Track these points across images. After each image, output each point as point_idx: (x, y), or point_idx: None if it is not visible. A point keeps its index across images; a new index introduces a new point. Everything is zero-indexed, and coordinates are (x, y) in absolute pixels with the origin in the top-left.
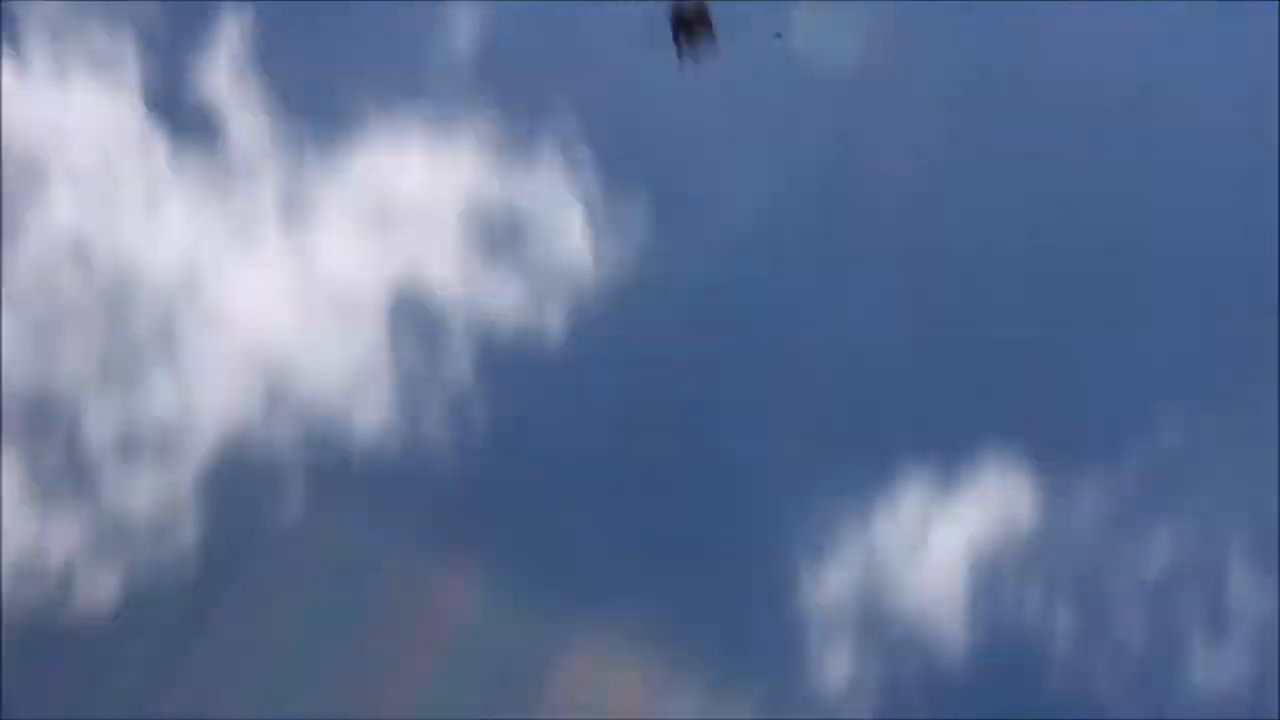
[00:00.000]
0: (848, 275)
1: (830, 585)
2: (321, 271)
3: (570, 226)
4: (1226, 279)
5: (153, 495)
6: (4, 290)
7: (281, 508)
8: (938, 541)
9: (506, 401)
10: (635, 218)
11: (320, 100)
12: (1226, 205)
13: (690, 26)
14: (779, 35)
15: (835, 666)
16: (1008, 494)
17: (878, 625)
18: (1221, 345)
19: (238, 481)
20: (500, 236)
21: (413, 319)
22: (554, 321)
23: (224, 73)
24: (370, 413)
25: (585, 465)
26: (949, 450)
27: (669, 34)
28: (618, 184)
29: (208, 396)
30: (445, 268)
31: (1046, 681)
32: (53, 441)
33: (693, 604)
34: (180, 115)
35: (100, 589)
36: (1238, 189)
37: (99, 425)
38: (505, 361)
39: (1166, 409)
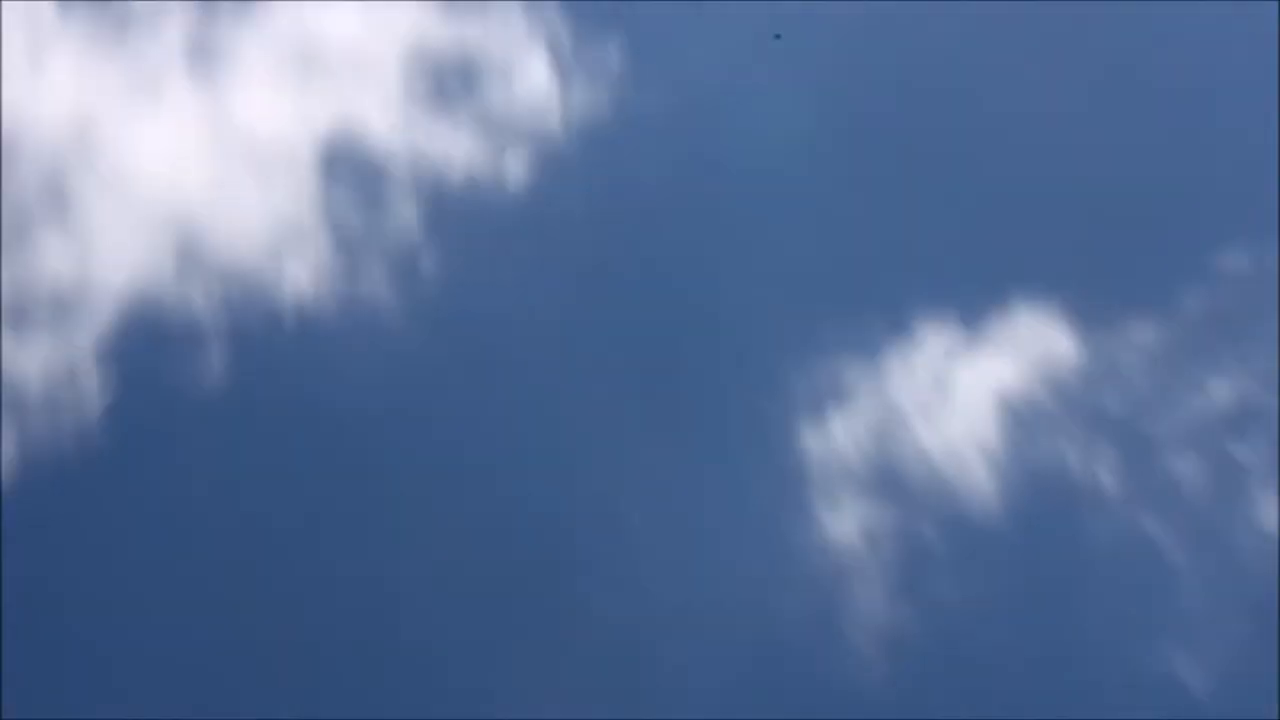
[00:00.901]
0: (853, 107)
1: (840, 436)
2: (240, 124)
3: (533, 71)
4: None
5: (48, 364)
6: None
7: (198, 374)
8: (963, 389)
9: (459, 258)
10: (608, 59)
11: None
12: None
13: None
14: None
15: (847, 519)
16: (1043, 341)
17: (894, 477)
18: None
19: (146, 348)
20: (451, 82)
21: (348, 172)
22: (515, 171)
23: None
24: (301, 272)
25: (554, 327)
26: (977, 298)
27: None
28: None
29: (108, 257)
30: (387, 116)
31: (1090, 530)
32: None
33: (695, 463)
34: None
35: None
36: None
37: None
38: (457, 215)
39: (1226, 252)
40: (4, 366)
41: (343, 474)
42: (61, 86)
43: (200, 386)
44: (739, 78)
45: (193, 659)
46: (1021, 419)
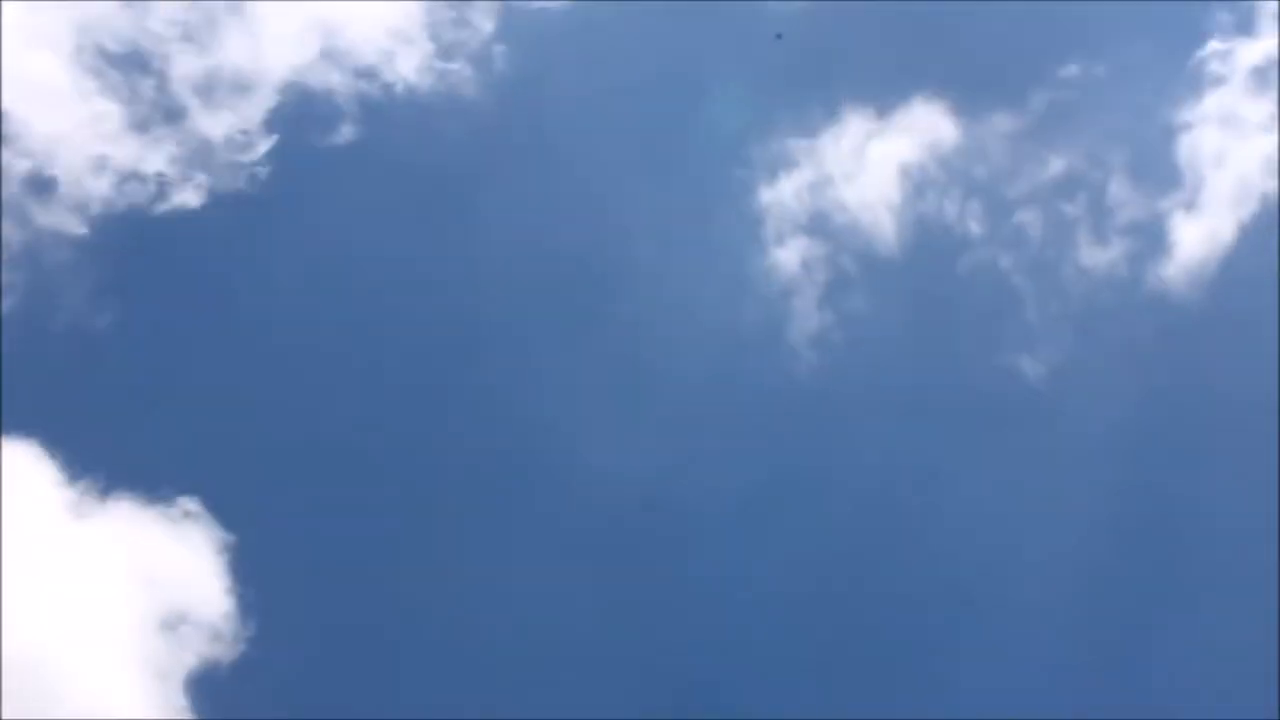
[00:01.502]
0: None
1: (787, 192)
2: None
3: None
4: None
5: (228, 126)
6: None
7: (335, 137)
8: (875, 162)
9: (523, 56)
10: None
11: None
12: None
13: None
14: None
15: (790, 253)
16: (933, 127)
17: (824, 222)
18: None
19: (297, 118)
20: None
21: None
22: None
23: None
24: (408, 60)
25: (586, 117)
26: (888, 95)
27: None
28: None
29: (272, 47)
30: None
31: (961, 262)
32: (147, 84)
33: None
34: None
35: (188, 195)
36: None
37: (184, 70)
38: (523, 26)
39: (1064, 64)
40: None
41: (438, 207)
42: None
43: (336, 145)
44: None
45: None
46: (915, 183)
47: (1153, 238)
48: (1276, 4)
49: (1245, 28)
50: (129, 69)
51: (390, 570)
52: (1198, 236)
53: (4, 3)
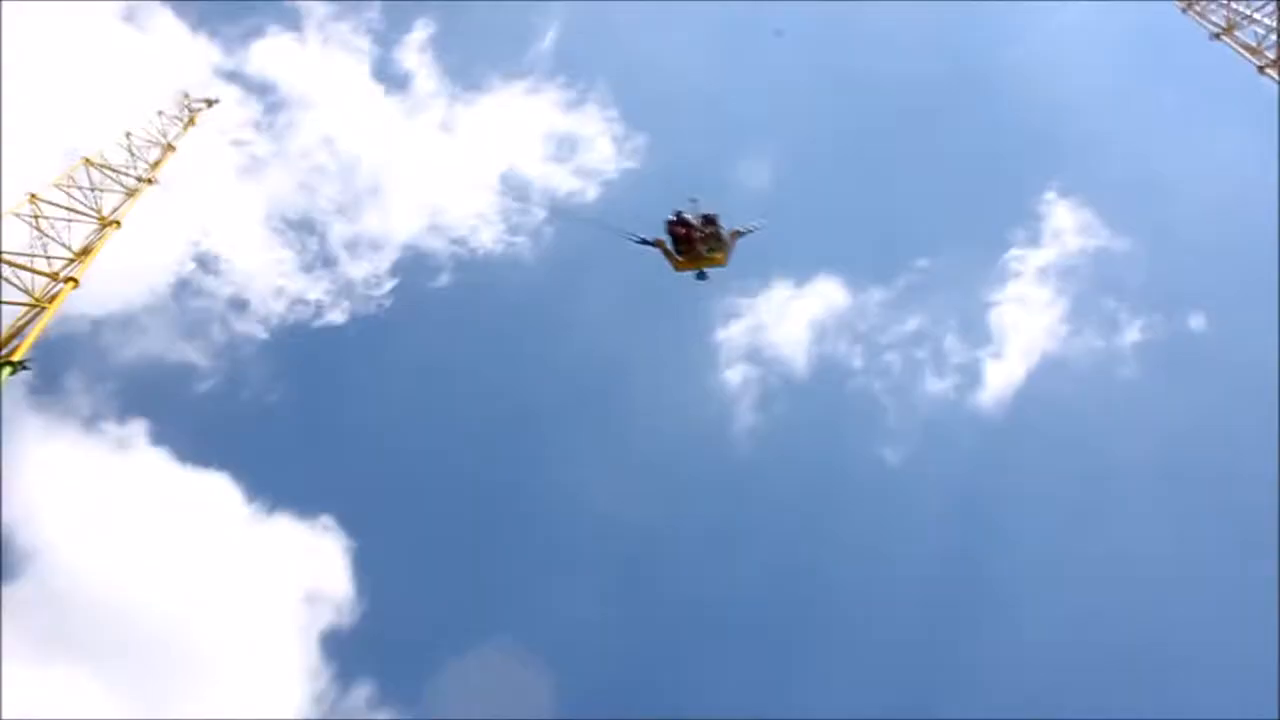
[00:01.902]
0: None
1: (733, 333)
2: None
3: None
4: None
5: (366, 271)
6: None
7: (437, 282)
8: (793, 316)
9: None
10: None
11: None
12: None
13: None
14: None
15: (735, 373)
16: (832, 295)
17: (759, 354)
18: (952, 231)
19: (413, 267)
20: None
21: None
22: None
23: None
24: (487, 233)
25: None
26: (801, 272)
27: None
28: None
29: (397, 221)
30: None
31: (848, 386)
32: (312, 241)
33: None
34: None
35: (336, 315)
36: None
37: (337, 233)
38: None
39: (919, 258)
40: (345, 273)
41: (504, 333)
42: None
43: (437, 287)
44: None
45: None
46: (819, 331)
47: (972, 375)
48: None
49: (1035, 241)
50: (300, 231)
51: (459, 569)
52: (1001, 375)
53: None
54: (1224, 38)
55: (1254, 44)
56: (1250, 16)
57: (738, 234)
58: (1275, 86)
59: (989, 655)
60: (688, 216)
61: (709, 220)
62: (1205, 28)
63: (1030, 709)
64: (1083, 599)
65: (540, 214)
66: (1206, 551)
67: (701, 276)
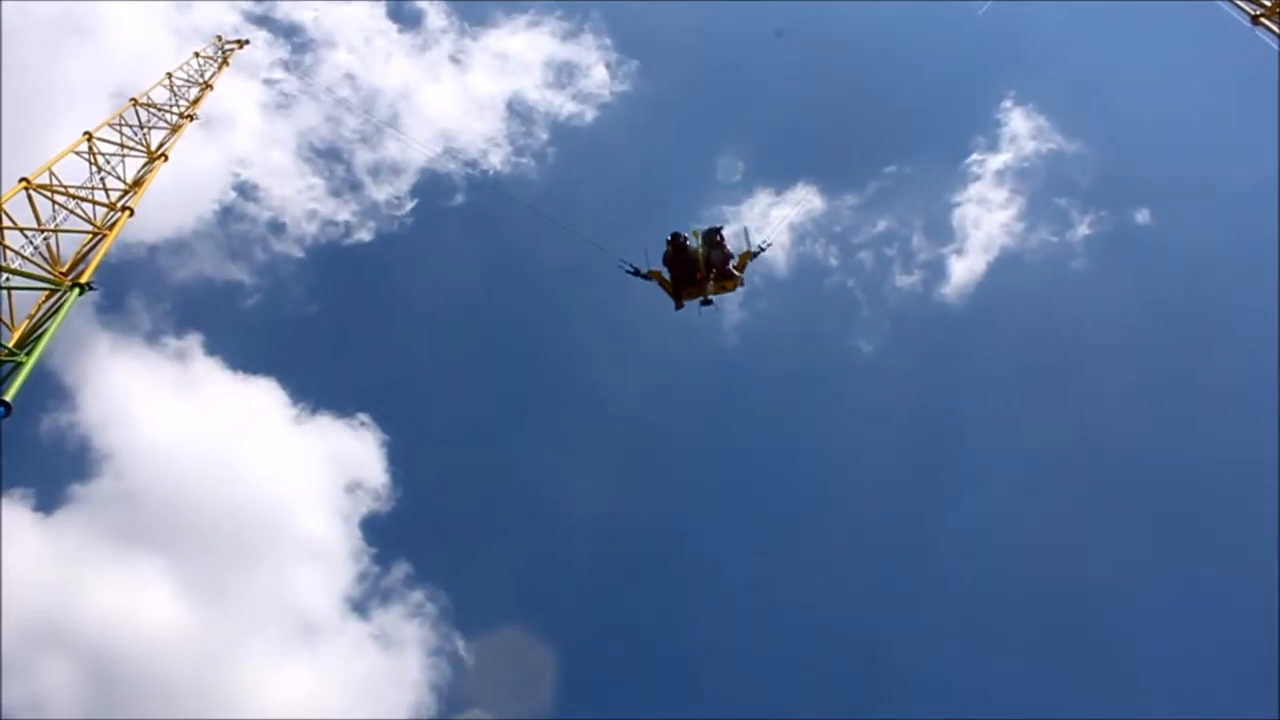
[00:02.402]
0: None
1: None
2: None
3: None
4: None
5: (388, 193)
6: None
7: (452, 201)
8: (774, 220)
9: (568, 152)
10: None
11: None
12: None
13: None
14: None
15: None
16: (810, 200)
17: None
18: (917, 140)
19: (430, 189)
20: None
21: None
22: None
23: None
24: (496, 156)
25: None
26: (781, 181)
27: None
28: None
29: (414, 148)
30: None
31: (825, 283)
32: (340, 168)
33: None
34: None
35: (363, 234)
36: None
37: (361, 160)
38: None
39: (888, 165)
40: (370, 196)
41: (509, 241)
42: None
43: (452, 205)
44: None
45: None
46: (798, 234)
47: (938, 270)
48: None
49: (993, 146)
50: (329, 159)
51: (481, 458)
52: (964, 270)
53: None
54: None
55: None
56: None
57: (750, 255)
58: None
59: (953, 522)
60: (688, 241)
61: (715, 243)
62: None
63: (990, 574)
64: (1041, 469)
65: (544, 136)
66: (1153, 412)
67: (706, 303)
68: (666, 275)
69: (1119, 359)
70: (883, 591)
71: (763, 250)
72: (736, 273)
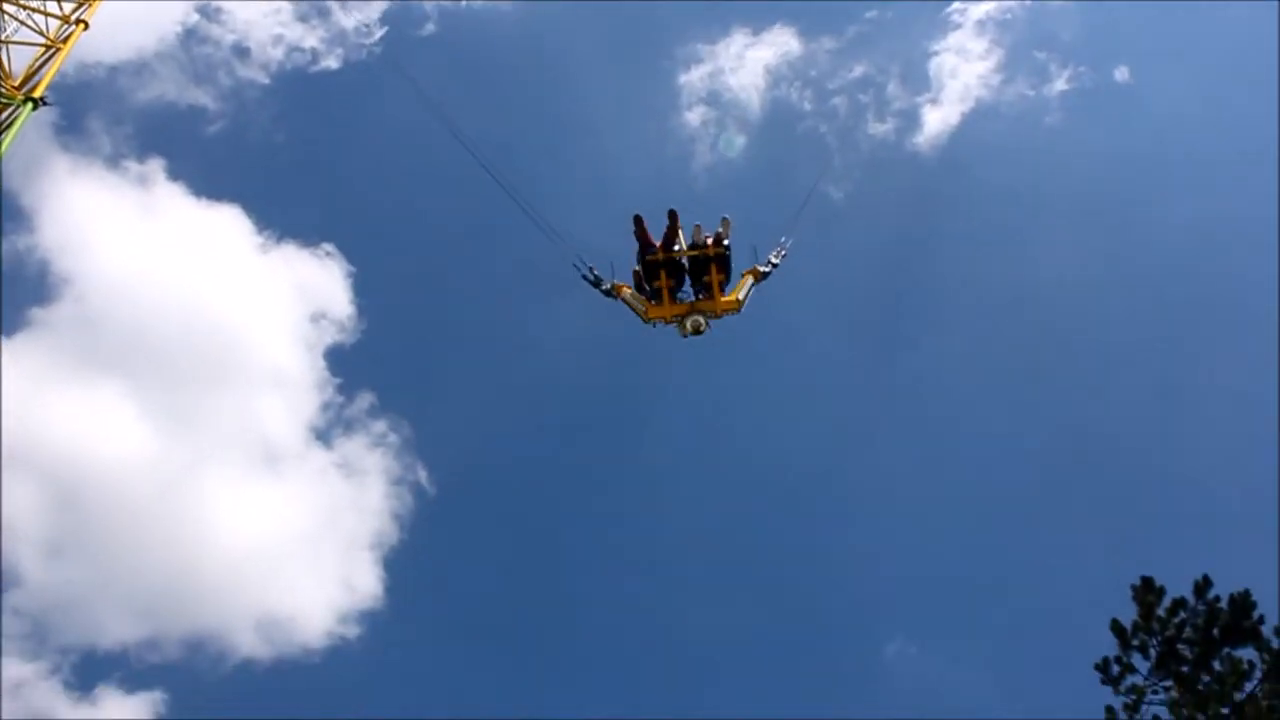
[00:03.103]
0: None
1: (694, 77)
2: None
3: None
4: None
5: (356, 21)
6: None
7: (423, 31)
8: (750, 61)
9: None
10: None
11: None
12: None
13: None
14: None
15: (695, 114)
16: (787, 43)
17: (718, 98)
18: None
19: (399, 18)
20: None
21: None
22: None
23: None
24: None
25: None
26: (758, 21)
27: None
28: None
29: None
30: None
31: (798, 128)
32: None
33: None
34: None
35: (330, 61)
36: None
37: None
38: None
39: (869, 10)
40: (338, 23)
41: (481, 77)
42: None
43: (422, 36)
44: None
45: None
46: (774, 77)
47: (911, 119)
48: None
49: None
50: None
51: (445, 291)
52: (938, 120)
53: None
54: None
55: None
56: None
57: (760, 274)
58: None
59: (920, 362)
60: (678, 234)
61: (718, 254)
62: None
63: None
64: (1006, 316)
65: None
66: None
67: (697, 331)
68: (639, 294)
69: (1086, 218)
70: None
71: (782, 257)
72: (741, 293)
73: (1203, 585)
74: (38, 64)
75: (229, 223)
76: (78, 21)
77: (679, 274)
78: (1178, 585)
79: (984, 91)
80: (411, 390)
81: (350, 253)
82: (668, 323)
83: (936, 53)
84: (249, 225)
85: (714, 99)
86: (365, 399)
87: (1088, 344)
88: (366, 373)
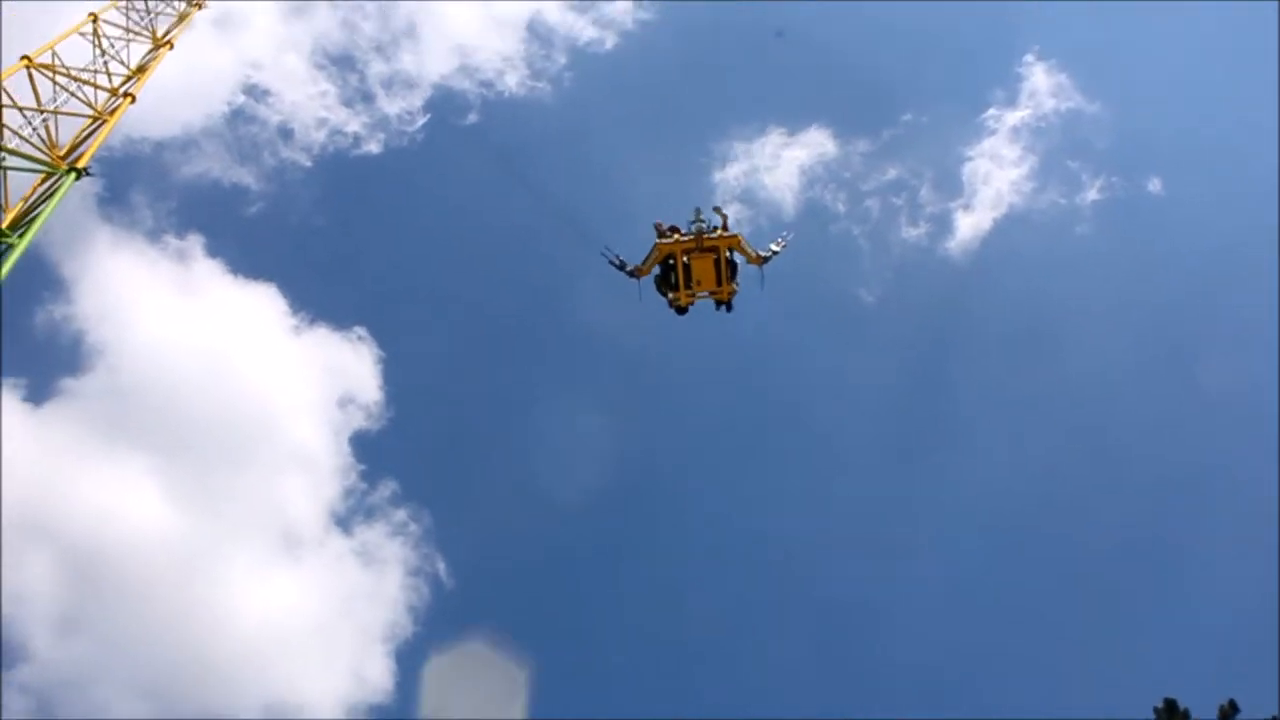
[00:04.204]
0: None
1: (730, 175)
2: None
3: None
4: None
5: (399, 107)
6: None
7: (464, 120)
8: (785, 162)
9: (581, 81)
10: None
11: None
12: None
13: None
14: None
15: (730, 211)
16: (822, 144)
17: (753, 195)
18: (935, 87)
19: (443, 104)
20: None
21: None
22: None
23: None
24: (512, 78)
25: None
26: (794, 122)
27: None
28: None
29: (429, 61)
30: None
31: (831, 229)
32: (353, 77)
33: None
34: None
35: (372, 145)
36: None
37: (375, 70)
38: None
39: (903, 113)
40: (381, 108)
41: (520, 160)
42: None
43: (464, 125)
44: None
45: None
46: (808, 177)
47: (944, 224)
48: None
49: (1012, 101)
50: (343, 66)
51: (475, 380)
52: (970, 225)
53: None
54: None
55: None
56: None
57: (762, 259)
58: None
59: (951, 472)
60: (687, 232)
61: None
62: None
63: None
64: (1036, 429)
65: (561, 60)
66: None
67: (723, 306)
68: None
69: (1115, 329)
70: (869, 543)
71: (784, 247)
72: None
73: (1228, 710)
74: (84, 134)
75: (264, 302)
76: (125, 95)
77: (688, 275)
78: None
79: (1016, 198)
80: (435, 480)
81: (382, 337)
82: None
83: (970, 158)
84: (284, 305)
85: (749, 197)
86: (388, 486)
87: (1116, 450)
88: (391, 460)
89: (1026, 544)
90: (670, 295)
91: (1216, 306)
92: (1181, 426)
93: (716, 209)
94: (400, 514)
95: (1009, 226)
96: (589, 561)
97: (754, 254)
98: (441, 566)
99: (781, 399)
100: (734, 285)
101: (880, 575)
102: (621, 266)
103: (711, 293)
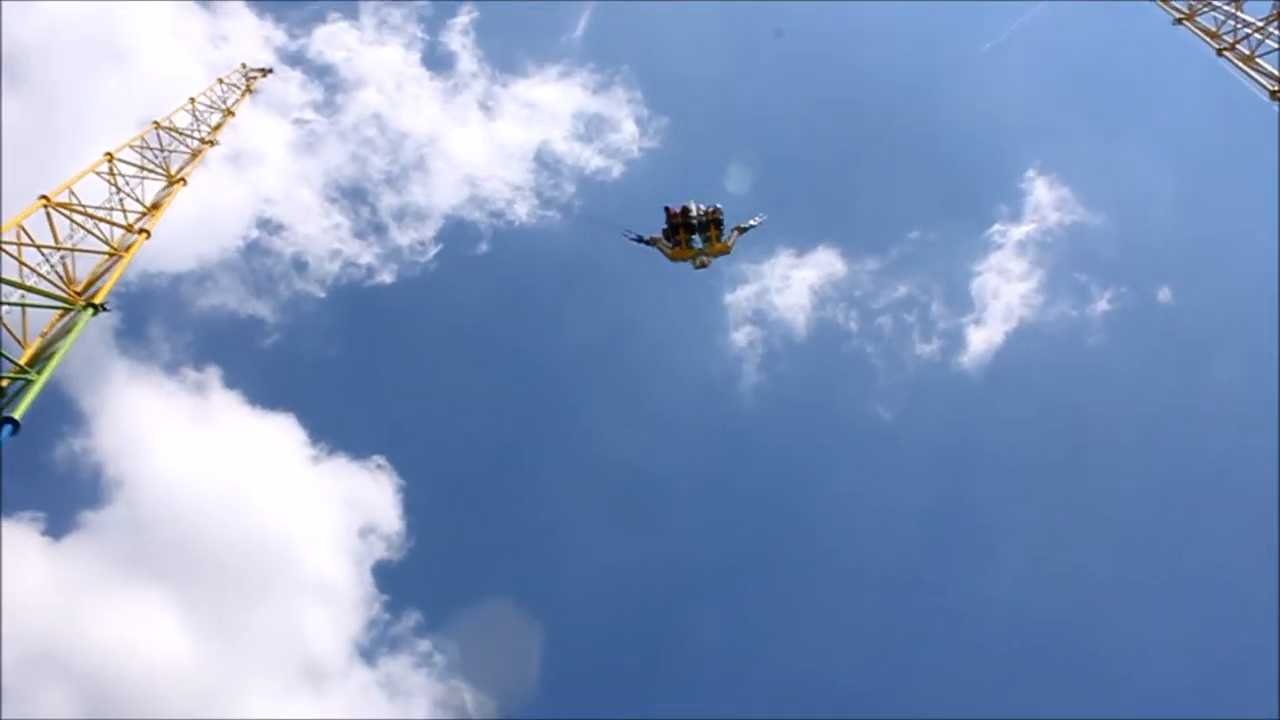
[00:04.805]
0: None
1: (740, 298)
2: None
3: None
4: None
5: (412, 238)
6: None
7: (476, 250)
8: (795, 282)
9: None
10: None
11: None
12: None
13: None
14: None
15: (741, 335)
16: (831, 264)
17: (763, 317)
18: (940, 205)
19: (454, 235)
20: None
21: None
22: None
23: None
24: (522, 208)
25: None
26: (802, 243)
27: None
28: None
29: (440, 193)
30: None
31: (843, 348)
32: (365, 210)
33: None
34: None
35: (385, 276)
36: None
37: (387, 203)
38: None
39: (910, 230)
40: (394, 240)
41: (529, 294)
42: None
43: (476, 254)
44: None
45: None
46: (818, 297)
47: (956, 339)
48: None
49: (1016, 216)
50: (354, 200)
51: (493, 509)
52: (982, 340)
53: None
54: (1185, 23)
55: (1213, 28)
56: (1209, 2)
57: (740, 230)
58: (1233, 69)
59: (970, 595)
60: (690, 207)
61: (715, 220)
62: (1169, 13)
63: (1005, 656)
64: (1056, 545)
65: (570, 189)
66: (1166, 499)
67: (701, 265)
68: (667, 242)
69: (1132, 439)
70: (890, 664)
71: (755, 226)
72: (728, 239)
73: None
74: (101, 270)
75: (282, 432)
76: (140, 230)
77: (691, 230)
78: None
79: (1027, 311)
80: (459, 610)
81: (401, 466)
82: (685, 259)
83: (979, 273)
84: (302, 436)
85: (759, 318)
86: (411, 617)
87: (1135, 566)
88: (414, 590)
89: (1049, 661)
90: (671, 251)
91: (1233, 413)
92: (1202, 536)
93: (715, 209)
94: (424, 644)
95: (1021, 339)
96: (614, 688)
97: (729, 245)
98: (469, 699)
99: (802, 519)
100: (727, 244)
101: (899, 694)
102: (639, 239)
103: (699, 252)
